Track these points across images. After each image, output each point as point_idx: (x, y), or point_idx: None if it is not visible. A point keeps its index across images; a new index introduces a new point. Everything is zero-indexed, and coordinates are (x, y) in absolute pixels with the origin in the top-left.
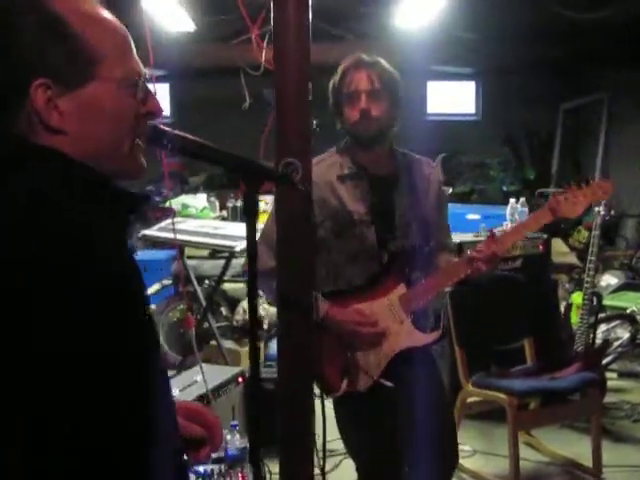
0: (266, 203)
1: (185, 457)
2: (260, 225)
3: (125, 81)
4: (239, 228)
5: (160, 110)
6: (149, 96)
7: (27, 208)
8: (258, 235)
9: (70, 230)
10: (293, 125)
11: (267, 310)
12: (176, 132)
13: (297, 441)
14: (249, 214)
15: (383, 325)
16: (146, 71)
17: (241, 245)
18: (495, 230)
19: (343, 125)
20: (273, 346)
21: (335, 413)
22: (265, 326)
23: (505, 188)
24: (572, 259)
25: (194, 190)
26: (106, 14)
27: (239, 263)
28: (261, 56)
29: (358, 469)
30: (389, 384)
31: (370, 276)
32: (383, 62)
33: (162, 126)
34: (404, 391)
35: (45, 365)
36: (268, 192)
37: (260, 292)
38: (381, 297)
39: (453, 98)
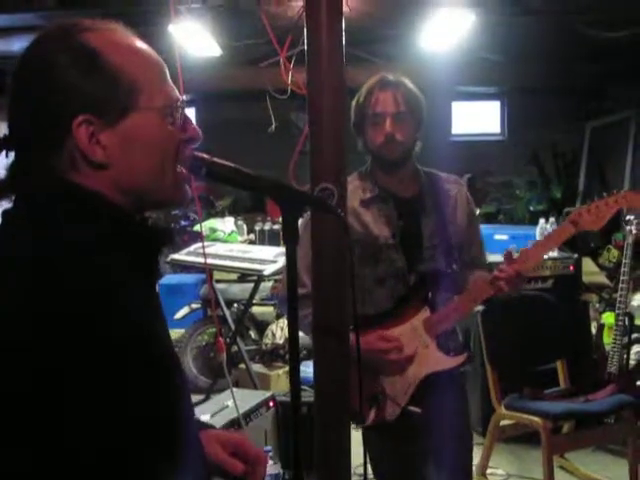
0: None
1: None
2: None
3: (164, 109)
4: (267, 252)
5: (199, 135)
6: (187, 122)
7: (50, 263)
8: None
9: (90, 285)
10: (328, 150)
11: None
12: (214, 159)
13: (333, 465)
14: (289, 240)
15: (408, 350)
16: (183, 97)
17: (269, 269)
18: (512, 249)
19: (366, 146)
20: (305, 369)
21: (363, 439)
22: None
23: (532, 208)
24: (602, 279)
25: (220, 214)
26: (140, 44)
27: (267, 286)
28: (288, 79)
29: None
30: (417, 410)
31: (396, 300)
32: (407, 82)
33: (200, 154)
34: (430, 417)
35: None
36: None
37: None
38: (405, 322)
39: (478, 118)
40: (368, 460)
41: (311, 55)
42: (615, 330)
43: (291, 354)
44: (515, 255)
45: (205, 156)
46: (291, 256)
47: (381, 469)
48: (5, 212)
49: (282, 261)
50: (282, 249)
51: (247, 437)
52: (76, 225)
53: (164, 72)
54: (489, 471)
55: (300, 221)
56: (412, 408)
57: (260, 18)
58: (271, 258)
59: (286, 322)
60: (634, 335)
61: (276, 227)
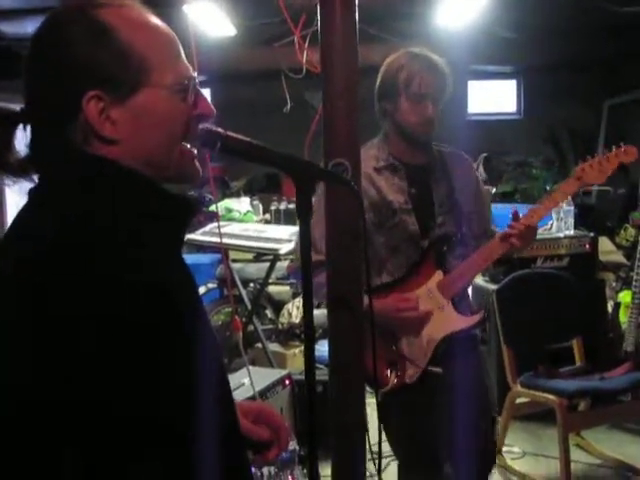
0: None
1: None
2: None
3: (176, 86)
4: (283, 231)
5: (212, 111)
6: (200, 98)
7: (77, 228)
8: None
9: (120, 248)
10: (342, 126)
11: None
12: (228, 133)
13: (349, 442)
14: (302, 213)
15: (424, 310)
16: (195, 74)
17: (285, 248)
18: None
19: (394, 116)
20: (320, 348)
21: (381, 409)
22: None
23: (548, 187)
24: (619, 258)
25: (236, 194)
26: (154, 20)
27: (283, 266)
28: (303, 59)
29: (401, 462)
30: (438, 370)
31: (410, 265)
32: (446, 67)
33: (214, 128)
34: (450, 378)
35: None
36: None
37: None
38: (420, 285)
39: (494, 97)
40: (385, 429)
41: (325, 34)
42: (631, 308)
43: (306, 327)
44: (521, 215)
45: (219, 130)
46: (304, 229)
47: (400, 435)
48: (31, 190)
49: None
50: (298, 228)
51: (268, 406)
52: (99, 198)
53: (177, 49)
54: (505, 449)
55: (319, 188)
56: (433, 368)
57: None
58: (287, 237)
59: (302, 301)
60: None
61: (291, 206)
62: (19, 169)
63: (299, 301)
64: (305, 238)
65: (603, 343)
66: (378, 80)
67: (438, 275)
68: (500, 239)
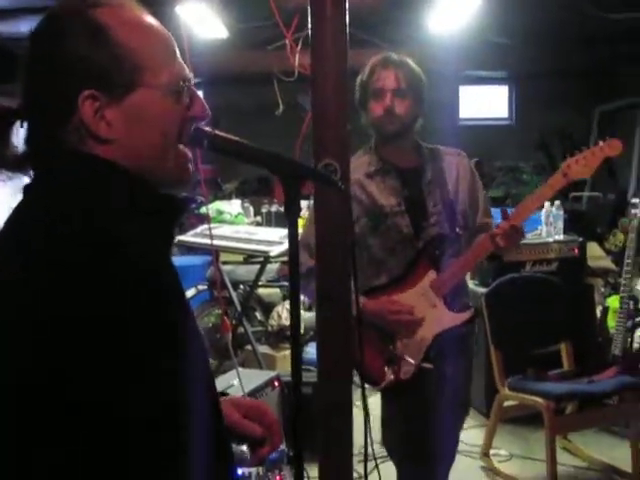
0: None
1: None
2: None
3: (171, 87)
4: (273, 233)
5: (206, 113)
6: (195, 100)
7: (72, 228)
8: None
9: (111, 240)
10: (331, 128)
11: (302, 315)
12: (217, 132)
13: (337, 444)
14: (290, 213)
15: (418, 312)
16: (191, 75)
17: (276, 250)
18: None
19: (367, 119)
20: (309, 350)
21: (382, 407)
22: (301, 330)
23: None
24: (608, 263)
25: (227, 196)
26: (150, 20)
27: (273, 268)
28: (295, 62)
29: (400, 462)
30: (430, 366)
31: (406, 265)
32: (410, 62)
33: (202, 127)
34: (439, 374)
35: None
36: (305, 197)
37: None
38: (415, 285)
39: (486, 102)
40: (379, 426)
41: (315, 37)
42: (619, 313)
43: (292, 328)
44: (511, 212)
45: (207, 129)
46: (293, 229)
47: (392, 431)
48: (26, 187)
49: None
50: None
51: (262, 402)
52: (93, 196)
53: (173, 49)
54: (492, 451)
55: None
56: (425, 365)
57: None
58: (277, 239)
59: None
60: (638, 318)
61: (282, 209)
62: (15, 164)
63: (289, 303)
64: (293, 237)
65: (591, 347)
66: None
67: (432, 274)
68: (487, 239)
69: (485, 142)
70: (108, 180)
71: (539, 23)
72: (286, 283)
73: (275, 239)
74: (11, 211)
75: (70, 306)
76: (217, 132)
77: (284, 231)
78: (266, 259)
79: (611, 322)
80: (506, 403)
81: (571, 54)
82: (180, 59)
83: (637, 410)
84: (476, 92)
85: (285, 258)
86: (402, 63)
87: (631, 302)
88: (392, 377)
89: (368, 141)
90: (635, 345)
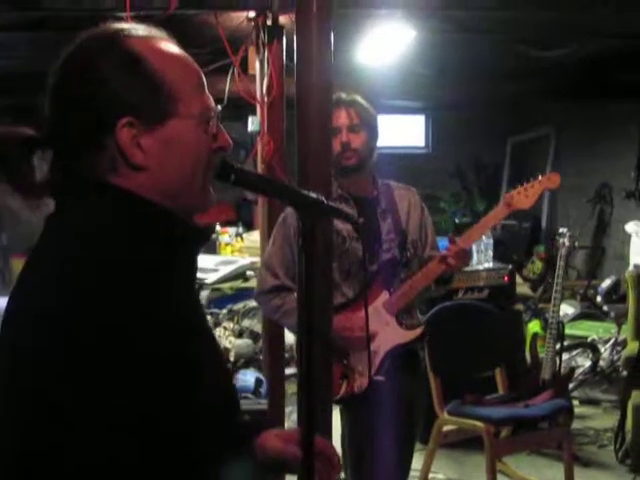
0: (229, 236)
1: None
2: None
3: (201, 117)
4: (208, 260)
5: (230, 144)
6: (219, 131)
7: (94, 259)
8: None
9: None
10: (316, 163)
11: (232, 343)
12: (243, 167)
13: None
14: (305, 246)
15: (371, 328)
16: (218, 107)
17: (211, 277)
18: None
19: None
20: (242, 377)
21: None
22: (232, 358)
23: (457, 220)
24: (526, 289)
25: None
26: (180, 52)
27: (204, 295)
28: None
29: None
30: (381, 378)
31: (361, 288)
32: (359, 99)
33: (230, 161)
34: (390, 388)
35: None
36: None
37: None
38: (369, 305)
39: (403, 131)
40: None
41: (300, 64)
42: (548, 338)
43: (306, 376)
44: (457, 239)
45: (235, 164)
46: (308, 262)
47: (350, 442)
48: (49, 217)
49: (223, 269)
50: (222, 257)
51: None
52: (117, 229)
53: (202, 81)
54: (430, 476)
55: (280, 218)
56: (377, 377)
57: (209, 27)
58: (212, 267)
59: (225, 330)
60: (565, 342)
61: (213, 236)
62: (40, 192)
63: (219, 330)
64: (308, 270)
65: (523, 372)
66: None
67: (384, 295)
68: (438, 260)
69: (402, 170)
70: (133, 212)
71: (462, 57)
72: (216, 310)
73: (210, 266)
74: (36, 244)
75: (97, 337)
76: (243, 167)
77: (218, 258)
78: (201, 286)
79: (541, 348)
80: (445, 428)
81: (486, 87)
82: (207, 90)
83: (568, 432)
84: (393, 121)
85: (220, 285)
86: (352, 101)
87: (560, 325)
88: (344, 390)
89: None
90: (563, 369)
